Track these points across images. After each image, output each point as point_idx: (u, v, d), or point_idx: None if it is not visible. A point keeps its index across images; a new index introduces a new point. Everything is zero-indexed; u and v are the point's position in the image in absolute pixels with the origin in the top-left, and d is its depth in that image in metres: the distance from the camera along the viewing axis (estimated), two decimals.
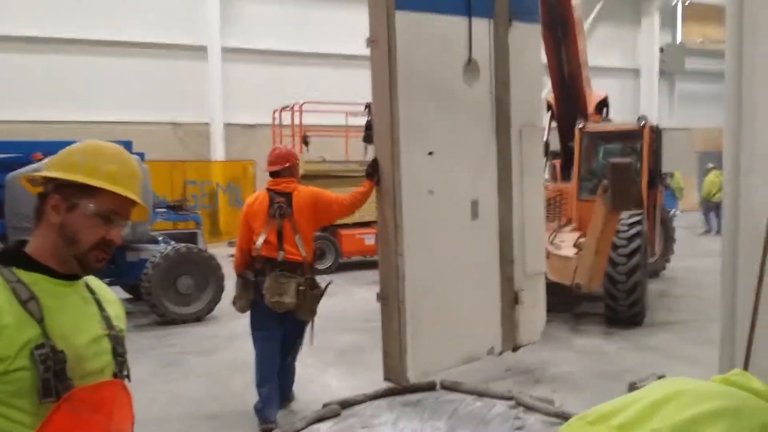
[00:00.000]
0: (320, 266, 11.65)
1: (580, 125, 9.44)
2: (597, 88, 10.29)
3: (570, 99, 9.64)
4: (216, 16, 18.29)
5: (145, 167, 8.72)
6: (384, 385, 4.39)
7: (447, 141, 4.76)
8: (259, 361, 5.15)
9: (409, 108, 4.50)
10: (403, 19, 4.44)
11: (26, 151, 8.34)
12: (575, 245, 8.02)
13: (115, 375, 1.69)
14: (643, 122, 9.40)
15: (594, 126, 9.68)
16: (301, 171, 7.05)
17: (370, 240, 12.47)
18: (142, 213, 1.80)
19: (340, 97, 14.83)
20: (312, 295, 5.05)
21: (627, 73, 25.40)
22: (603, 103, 10.40)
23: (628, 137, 9.69)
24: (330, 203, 5.12)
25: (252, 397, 5.22)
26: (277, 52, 18.85)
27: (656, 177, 10.04)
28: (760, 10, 3.82)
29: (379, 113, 4.60)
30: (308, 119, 14.44)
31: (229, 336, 7.76)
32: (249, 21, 18.82)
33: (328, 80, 18.34)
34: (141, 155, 9.14)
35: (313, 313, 5.13)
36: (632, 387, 3.80)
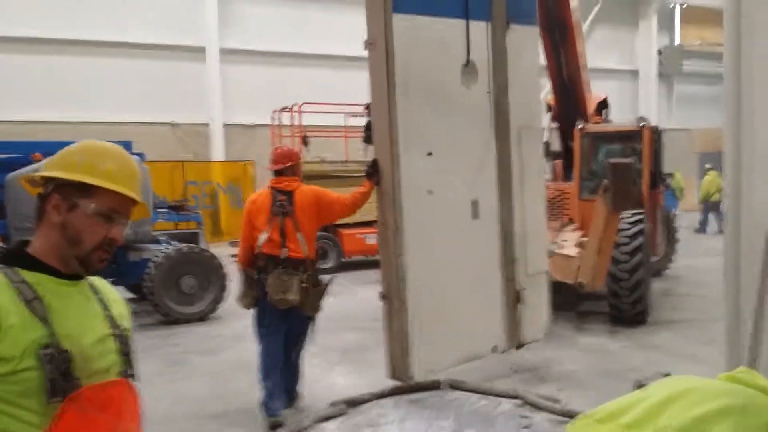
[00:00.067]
0: (322, 266, 11.65)
1: (580, 126, 9.45)
2: (597, 90, 10.31)
3: (570, 101, 9.65)
4: (214, 17, 18.32)
5: (145, 168, 8.72)
6: (390, 383, 4.39)
7: (446, 142, 4.78)
8: (262, 356, 5.18)
9: (408, 109, 4.51)
10: (401, 21, 4.46)
11: (26, 152, 8.35)
12: (578, 245, 8.03)
13: (121, 374, 1.69)
14: (643, 123, 9.40)
15: (594, 127, 9.69)
16: None
17: (371, 239, 12.47)
18: (143, 211, 1.79)
19: (339, 98, 14.84)
20: (315, 292, 5.10)
21: (625, 74, 25.45)
22: (603, 105, 10.42)
23: (629, 138, 9.69)
24: (332, 202, 5.16)
25: (256, 395, 5.23)
26: (275, 53, 18.88)
27: (657, 177, 10.04)
28: (757, 12, 3.81)
29: (378, 115, 4.62)
30: (307, 120, 14.45)
31: (233, 335, 7.76)
32: (247, 22, 18.85)
33: (328, 81, 18.37)
34: (141, 155, 9.15)
35: (316, 309, 5.17)
36: (638, 385, 3.80)
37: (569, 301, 8.76)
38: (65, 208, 1.62)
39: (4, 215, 8.14)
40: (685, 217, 18.52)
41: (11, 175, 7.75)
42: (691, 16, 26.85)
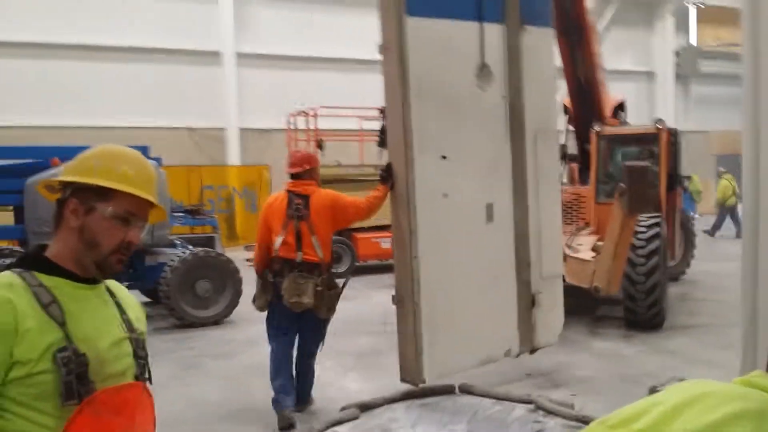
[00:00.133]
0: (336, 270, 11.65)
1: (597, 129, 9.40)
2: (613, 92, 10.25)
3: (586, 103, 9.60)
4: (230, 22, 18.43)
5: (162, 172, 8.79)
6: (402, 387, 4.38)
7: (460, 145, 4.76)
8: (273, 356, 5.25)
9: (422, 113, 4.51)
10: (415, 25, 4.46)
11: (45, 157, 8.44)
12: (593, 249, 7.98)
13: (136, 377, 1.70)
14: (660, 125, 9.33)
15: (611, 129, 9.63)
16: None
17: (386, 243, 12.46)
18: (160, 215, 1.81)
19: (354, 102, 14.87)
20: (330, 295, 5.13)
21: (641, 76, 25.25)
22: (619, 107, 10.35)
23: (646, 140, 9.62)
24: (347, 207, 5.17)
25: (270, 399, 5.26)
26: (291, 57, 18.94)
27: (675, 180, 9.95)
28: None
29: (392, 118, 4.62)
30: (323, 124, 14.48)
31: (247, 339, 7.79)
32: (263, 26, 18.94)
33: (343, 85, 18.41)
34: (158, 160, 9.21)
35: (331, 312, 5.20)
36: (652, 391, 3.77)
37: (584, 306, 8.71)
38: (83, 212, 1.64)
39: (22, 220, 8.23)
40: (703, 221, 18.36)
41: (31, 180, 7.84)
42: (708, 16, 26.59)
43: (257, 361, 6.60)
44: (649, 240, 7.88)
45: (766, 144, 3.87)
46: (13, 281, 1.55)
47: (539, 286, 5.30)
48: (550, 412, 3.56)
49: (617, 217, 6.44)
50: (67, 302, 1.58)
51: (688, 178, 17.08)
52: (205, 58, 18.25)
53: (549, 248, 5.38)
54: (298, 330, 5.28)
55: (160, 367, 6.45)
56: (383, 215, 5.12)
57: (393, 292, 4.74)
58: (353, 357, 7.07)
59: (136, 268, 8.88)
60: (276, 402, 5.18)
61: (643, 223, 7.90)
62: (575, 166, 10.43)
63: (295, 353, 5.39)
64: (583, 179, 10.01)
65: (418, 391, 4.18)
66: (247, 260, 13.99)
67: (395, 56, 4.47)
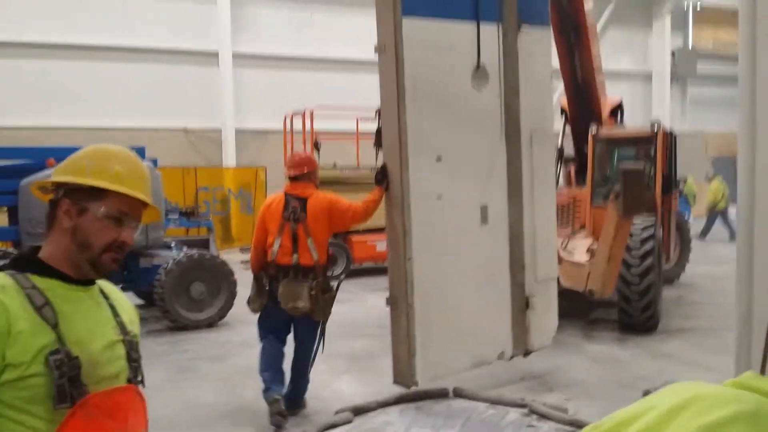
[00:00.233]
0: (332, 273, 11.63)
1: (593, 131, 9.40)
2: (610, 93, 10.25)
3: (584, 104, 9.59)
4: (227, 21, 18.37)
5: (158, 173, 8.78)
6: (396, 391, 4.38)
7: (456, 146, 4.77)
8: (263, 352, 5.34)
9: (417, 114, 4.51)
10: (411, 25, 4.46)
11: (39, 158, 8.41)
12: (588, 251, 7.99)
13: (129, 380, 1.69)
14: (657, 127, 9.34)
15: (607, 131, 9.63)
16: None
17: (381, 246, 12.44)
18: (154, 214, 1.80)
19: (351, 103, 14.85)
20: (325, 299, 5.16)
21: (638, 77, 25.28)
22: (617, 108, 10.36)
23: (642, 142, 9.63)
24: (344, 211, 5.20)
25: (264, 402, 5.25)
26: (288, 57, 18.90)
27: (671, 182, 9.96)
28: None
29: (387, 119, 4.63)
30: (319, 125, 14.47)
31: (242, 342, 7.77)
32: (260, 27, 18.90)
33: (340, 85, 18.39)
34: (154, 161, 9.20)
35: (326, 314, 5.22)
36: (646, 395, 3.77)
37: (579, 309, 8.72)
38: (76, 213, 1.63)
39: (16, 221, 8.20)
40: (698, 224, 18.41)
41: (25, 180, 7.81)
42: (705, 17, 26.63)
43: (252, 363, 6.55)
44: (643, 241, 7.89)
45: (762, 146, 3.88)
46: (6, 283, 1.54)
47: (533, 288, 5.30)
48: (543, 416, 3.56)
49: (612, 220, 6.45)
50: (60, 304, 1.57)
51: (684, 180, 17.16)
52: (201, 58, 18.20)
53: (544, 251, 5.39)
54: (290, 332, 5.35)
55: (154, 369, 6.43)
56: (379, 218, 5.13)
57: (387, 294, 4.75)
58: (347, 360, 7.06)
59: (130, 270, 8.85)
60: (265, 391, 5.23)
61: (638, 225, 7.91)
62: (572, 167, 10.44)
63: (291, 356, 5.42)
64: (580, 181, 10.01)
65: (411, 394, 4.18)
66: (242, 262, 13.99)
67: (391, 57, 4.47)
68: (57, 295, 1.58)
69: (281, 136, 15.04)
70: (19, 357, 1.47)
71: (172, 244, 9.57)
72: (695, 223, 18.20)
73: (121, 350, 1.69)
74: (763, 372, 1.22)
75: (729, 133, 21.79)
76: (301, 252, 5.13)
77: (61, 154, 7.92)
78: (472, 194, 4.92)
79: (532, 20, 5.16)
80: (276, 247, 5.16)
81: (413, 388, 4.53)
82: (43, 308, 1.53)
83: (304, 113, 14.02)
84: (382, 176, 4.72)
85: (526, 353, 5.44)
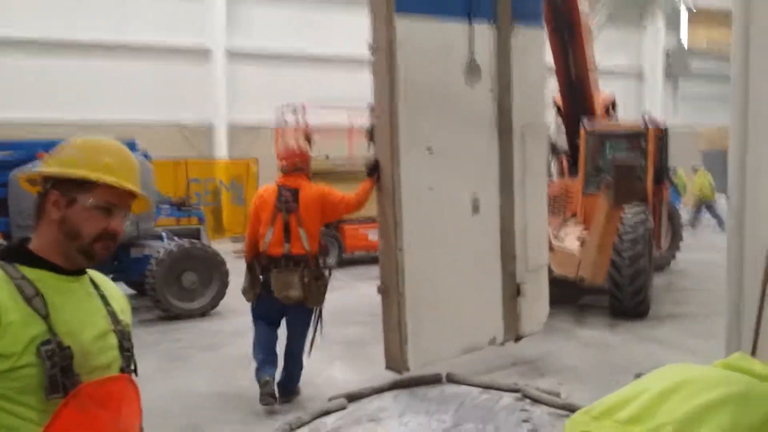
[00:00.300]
0: (323, 261, 11.63)
1: (586, 124, 9.45)
2: (604, 90, 10.31)
3: (577, 100, 9.65)
4: (221, 17, 18.32)
5: (149, 166, 8.73)
6: (389, 377, 4.40)
7: (448, 140, 4.81)
8: (255, 336, 5.43)
9: (410, 110, 4.54)
10: (404, 23, 4.48)
11: (31, 151, 8.34)
12: (578, 239, 8.03)
13: (122, 370, 1.69)
14: (648, 121, 9.41)
15: (599, 126, 9.69)
16: None
17: (373, 235, 12.42)
18: (144, 205, 1.79)
19: (343, 99, 14.81)
20: (317, 286, 5.21)
21: (631, 75, 25.34)
22: (610, 105, 10.42)
23: (634, 136, 9.69)
24: (336, 202, 5.26)
25: (257, 390, 5.27)
26: (281, 53, 18.85)
27: (662, 173, 10.03)
28: (766, 13, 3.80)
29: (380, 115, 4.65)
30: (312, 120, 14.42)
31: (234, 331, 7.77)
32: (253, 23, 18.83)
33: (332, 81, 18.32)
34: (146, 155, 9.15)
35: (319, 301, 5.29)
36: (638, 378, 3.81)
37: (570, 295, 8.77)
38: (64, 204, 1.62)
39: (6, 213, 8.15)
40: (686, 213, 18.56)
41: (14, 172, 7.76)
42: (698, 16, 26.72)
43: (244, 352, 6.57)
44: (634, 227, 7.95)
45: (752, 140, 3.91)
46: None
47: (524, 276, 5.35)
48: (536, 401, 3.59)
49: (603, 209, 6.49)
50: (50, 295, 1.56)
51: (674, 171, 17.30)
52: (195, 54, 18.13)
53: (534, 241, 5.43)
54: (283, 319, 5.42)
55: (146, 359, 6.43)
56: (371, 207, 5.15)
57: (379, 283, 4.78)
58: (340, 347, 7.08)
59: (121, 260, 8.82)
60: (257, 371, 5.31)
61: (629, 212, 7.97)
62: (564, 157, 10.48)
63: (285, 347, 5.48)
64: (573, 173, 10.07)
65: (405, 380, 4.22)
66: (234, 252, 13.97)
67: (384, 54, 4.48)
68: (47, 285, 1.57)
69: (274, 131, 15.00)
70: (9, 348, 1.46)
71: (163, 235, 9.54)
72: (684, 212, 18.37)
73: (113, 340, 1.68)
74: (754, 354, 1.23)
75: (719, 128, 21.89)
76: (293, 242, 5.18)
77: (52, 147, 7.87)
78: (463, 186, 4.96)
79: (525, 19, 5.19)
80: (268, 237, 5.23)
81: (406, 374, 4.57)
82: (33, 299, 1.52)
83: (296, 108, 13.97)
84: (373, 168, 4.77)
85: (517, 339, 5.50)
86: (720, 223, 17.39)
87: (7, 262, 1.57)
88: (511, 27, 5.09)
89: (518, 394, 3.71)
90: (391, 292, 4.65)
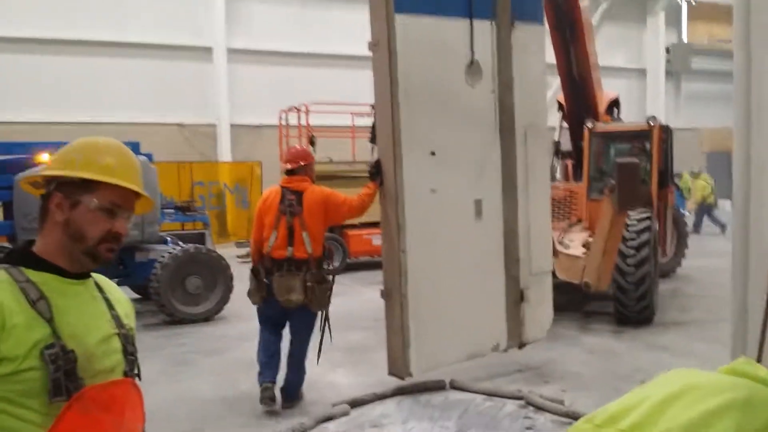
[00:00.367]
0: (327, 266, 11.62)
1: (589, 125, 9.42)
2: (607, 89, 10.27)
3: (580, 99, 9.62)
4: (222, 17, 18.33)
5: (153, 168, 8.75)
6: (392, 382, 4.39)
7: (449, 141, 4.80)
8: (260, 338, 5.46)
9: (411, 110, 4.54)
10: (404, 22, 4.48)
11: (34, 153, 8.36)
12: (584, 245, 8.01)
13: (125, 374, 1.69)
14: (653, 122, 9.37)
15: (603, 126, 9.65)
16: None
17: (377, 240, 12.39)
18: (147, 205, 1.79)
19: (346, 98, 14.83)
20: (320, 289, 5.20)
21: (633, 73, 25.32)
22: (614, 104, 10.38)
23: (638, 137, 9.66)
24: (340, 205, 5.25)
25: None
26: (282, 53, 18.87)
27: (667, 176, 9.99)
28: None
29: (381, 115, 4.66)
30: (315, 120, 14.45)
31: (238, 336, 7.77)
32: (254, 22, 18.84)
33: (335, 81, 18.35)
34: (149, 156, 9.17)
35: (322, 305, 5.28)
36: None
37: (575, 301, 8.74)
38: (68, 206, 1.62)
39: (11, 215, 8.17)
40: (692, 218, 18.52)
41: (19, 175, 7.77)
42: (699, 12, 26.70)
43: (248, 357, 6.57)
44: (639, 232, 7.93)
45: (757, 141, 3.89)
46: (0, 277, 1.53)
47: (528, 281, 5.33)
48: (540, 408, 3.57)
49: (607, 214, 6.47)
50: (54, 298, 1.56)
51: (679, 175, 17.32)
52: (196, 53, 18.16)
53: (538, 244, 5.41)
54: (287, 322, 5.44)
55: (150, 363, 6.43)
56: (374, 212, 5.15)
57: (382, 287, 4.78)
58: (343, 352, 7.06)
59: (126, 264, 8.84)
60: (259, 375, 5.37)
61: (634, 217, 7.95)
62: (569, 162, 10.46)
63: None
64: (578, 176, 10.04)
65: (409, 386, 4.20)
66: (239, 257, 13.98)
67: (384, 53, 4.49)
68: (52, 288, 1.57)
69: (276, 132, 15.02)
70: (13, 351, 1.46)
71: (168, 239, 9.56)
72: (689, 217, 18.35)
73: (116, 344, 1.68)
74: (759, 360, 1.22)
75: (723, 129, 21.84)
76: (296, 245, 5.19)
77: (53, 149, 7.89)
78: (466, 188, 4.94)
79: (525, 17, 5.19)
80: (272, 240, 5.23)
81: (410, 380, 4.56)
82: (38, 302, 1.53)
83: (299, 108, 13.99)
84: (376, 171, 4.79)
85: (521, 345, 5.47)
86: (722, 228, 17.45)
87: (12, 265, 1.58)
88: (511, 24, 5.08)
89: (522, 402, 3.69)
90: (393, 295, 4.65)
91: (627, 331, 7.79)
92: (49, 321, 1.52)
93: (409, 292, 4.58)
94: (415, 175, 4.61)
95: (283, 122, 14.61)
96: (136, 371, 1.73)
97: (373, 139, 5.08)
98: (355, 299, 9.72)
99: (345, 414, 3.58)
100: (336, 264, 12.10)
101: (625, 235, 7.54)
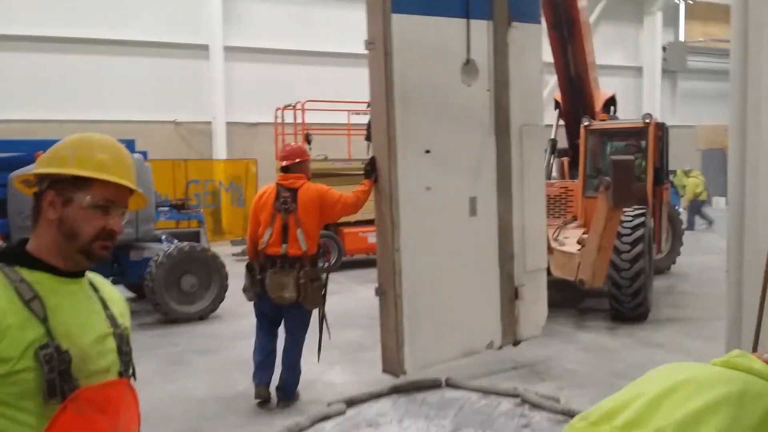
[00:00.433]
0: (322, 264, 11.62)
1: (585, 123, 9.44)
2: (604, 87, 10.30)
3: (577, 98, 9.64)
4: (218, 14, 18.27)
5: (147, 166, 8.72)
6: (388, 381, 4.39)
7: (444, 139, 4.81)
8: (257, 336, 5.50)
9: (406, 108, 4.54)
10: (400, 21, 4.48)
11: (29, 150, 8.33)
12: (579, 242, 8.02)
13: (120, 374, 1.68)
14: (648, 119, 9.39)
15: (599, 123, 9.68)
16: None
17: (373, 238, 12.38)
18: (141, 201, 1.78)
19: (342, 96, 14.81)
20: (313, 287, 5.19)
21: (629, 71, 25.35)
22: (610, 102, 10.40)
23: (634, 134, 9.68)
24: (335, 202, 5.25)
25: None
26: (278, 50, 18.82)
27: (662, 174, 10.01)
28: (765, 8, 3.80)
29: (376, 113, 4.67)
30: (310, 118, 14.43)
31: (233, 335, 7.76)
32: (251, 20, 18.79)
33: (331, 79, 18.32)
34: (144, 154, 9.15)
35: (316, 303, 5.28)
36: None
37: (570, 298, 8.76)
38: (61, 204, 1.61)
39: (5, 214, 8.14)
40: (686, 215, 18.61)
41: (14, 173, 7.74)
42: (696, 12, 26.76)
43: (243, 356, 6.56)
44: (634, 228, 7.96)
45: (752, 139, 3.90)
46: None
47: (522, 279, 5.34)
48: (536, 406, 3.57)
49: (602, 211, 6.48)
50: (49, 297, 1.55)
51: (673, 172, 17.39)
52: (192, 51, 18.10)
53: (533, 242, 5.43)
54: (282, 320, 5.45)
55: (145, 363, 6.42)
56: (370, 210, 5.15)
57: (377, 285, 4.79)
58: (339, 351, 7.06)
59: (120, 263, 8.81)
60: (254, 374, 5.43)
61: (629, 213, 7.98)
62: (566, 160, 10.48)
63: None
64: (574, 175, 10.06)
65: (405, 385, 4.20)
66: (234, 255, 13.95)
67: (380, 52, 4.49)
68: (46, 288, 1.56)
69: (272, 129, 14.99)
70: (7, 352, 1.45)
71: (163, 237, 9.53)
72: (682, 214, 18.48)
73: (111, 343, 1.67)
74: (755, 349, 1.22)
75: (719, 126, 21.91)
76: (291, 242, 5.19)
77: (50, 147, 7.85)
78: (460, 186, 4.95)
79: (522, 17, 5.20)
80: (266, 237, 5.25)
81: (406, 379, 4.57)
82: (31, 302, 1.51)
83: (295, 106, 13.97)
84: (371, 168, 4.79)
85: (516, 343, 5.49)
86: (709, 223, 17.64)
87: (5, 265, 1.56)
88: (508, 24, 5.09)
89: (518, 400, 3.69)
90: (388, 293, 4.66)
91: (622, 328, 7.81)
92: (44, 321, 1.51)
93: (403, 290, 4.59)
94: (409, 173, 4.62)
95: (279, 120, 14.59)
96: (131, 371, 1.72)
97: (369, 137, 5.08)
98: (350, 297, 9.71)
99: (341, 413, 3.58)
100: (332, 262, 12.12)
101: (620, 230, 7.57)
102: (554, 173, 10.61)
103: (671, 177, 13.98)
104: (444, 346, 4.90)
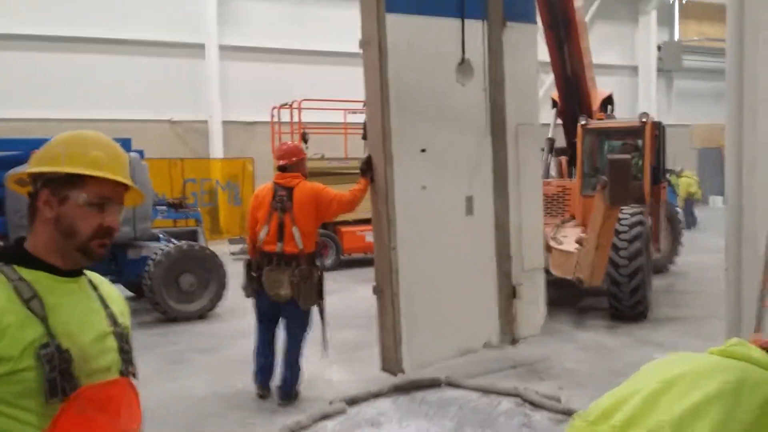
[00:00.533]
0: (319, 263, 11.62)
1: (582, 122, 9.45)
2: (600, 86, 10.31)
3: (574, 97, 9.65)
4: (213, 13, 18.27)
5: (144, 165, 8.70)
6: (387, 380, 4.39)
7: (440, 139, 4.82)
8: (257, 337, 5.55)
9: (401, 108, 4.55)
10: (395, 21, 4.48)
11: (26, 149, 8.31)
12: (577, 240, 8.03)
13: (121, 373, 1.67)
14: (645, 118, 9.40)
15: (596, 123, 9.69)
16: None
17: (371, 237, 12.37)
18: (137, 197, 1.76)
19: (339, 95, 14.80)
20: (307, 286, 5.21)
21: (625, 70, 25.41)
22: (607, 101, 10.41)
23: (631, 133, 9.69)
24: (330, 200, 5.26)
25: (255, 393, 5.29)
26: (274, 49, 18.82)
27: (660, 173, 10.02)
28: (761, 8, 3.80)
29: (371, 113, 4.67)
30: (307, 117, 14.41)
31: (232, 333, 7.75)
32: (247, 18, 18.79)
33: (327, 77, 18.29)
34: (140, 152, 9.12)
35: (311, 302, 5.29)
36: None
37: (569, 297, 8.76)
38: (56, 202, 1.60)
39: (3, 212, 8.11)
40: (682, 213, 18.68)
41: (10, 172, 7.71)
42: (691, 11, 26.85)
43: (243, 354, 6.55)
44: (632, 225, 7.97)
45: (748, 137, 3.90)
46: None
47: (520, 278, 5.34)
48: (536, 405, 3.57)
49: (600, 209, 6.49)
50: (48, 296, 1.54)
51: (672, 171, 17.45)
52: (188, 50, 18.07)
53: (530, 241, 5.43)
54: (280, 318, 5.48)
55: (144, 361, 6.36)
56: (368, 208, 5.15)
57: (375, 284, 4.80)
58: (337, 350, 7.03)
59: (118, 261, 8.79)
60: (254, 375, 5.53)
61: (626, 211, 7.99)
62: (564, 159, 10.48)
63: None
64: (572, 172, 10.07)
65: (405, 384, 4.20)
66: (231, 253, 13.94)
67: (375, 52, 4.50)
68: (44, 287, 1.55)
69: (269, 128, 14.97)
70: (7, 351, 1.44)
71: (161, 236, 9.51)
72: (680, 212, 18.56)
73: (112, 342, 1.66)
74: (758, 329, 1.21)
75: (714, 125, 21.94)
76: (287, 240, 5.22)
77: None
78: (457, 185, 4.97)
79: (517, 17, 5.21)
80: (263, 234, 5.28)
81: (406, 378, 4.56)
82: (31, 301, 1.50)
83: (292, 105, 13.96)
84: (367, 167, 4.80)
85: (514, 342, 5.48)
86: (694, 222, 17.77)
87: (4, 263, 1.55)
88: (503, 24, 5.09)
89: (518, 399, 3.69)
90: (385, 292, 4.67)
91: (621, 327, 7.81)
92: (43, 320, 1.50)
93: (400, 288, 4.60)
94: (405, 172, 4.63)
95: (275, 119, 14.57)
96: (131, 370, 1.71)
97: (365, 136, 5.08)
98: (349, 296, 9.70)
99: (342, 412, 3.57)
100: (327, 261, 12.10)
101: (618, 228, 7.59)
102: (552, 172, 10.61)
103: (668, 176, 14.03)
104: (442, 345, 4.90)
